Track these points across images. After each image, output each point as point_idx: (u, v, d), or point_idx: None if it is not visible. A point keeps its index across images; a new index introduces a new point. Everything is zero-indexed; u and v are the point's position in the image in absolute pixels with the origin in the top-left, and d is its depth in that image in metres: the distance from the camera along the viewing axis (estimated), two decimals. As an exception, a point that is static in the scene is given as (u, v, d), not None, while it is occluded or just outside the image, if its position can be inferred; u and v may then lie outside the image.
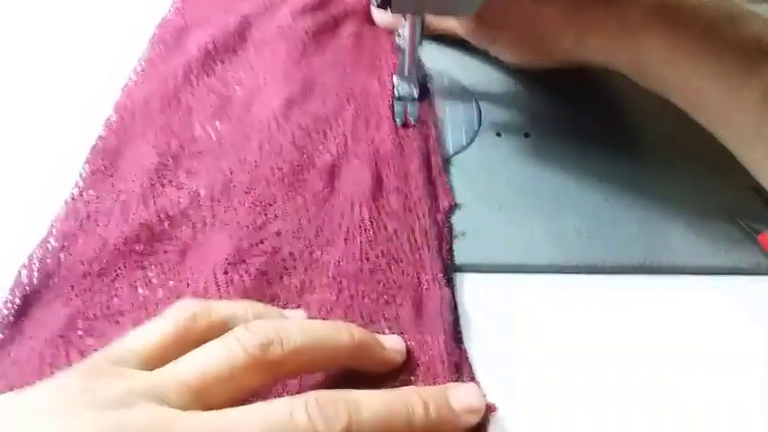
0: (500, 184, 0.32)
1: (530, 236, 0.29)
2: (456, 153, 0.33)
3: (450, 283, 0.27)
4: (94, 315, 0.25)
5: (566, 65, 0.36)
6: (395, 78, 0.36)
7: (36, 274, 0.27)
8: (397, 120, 0.34)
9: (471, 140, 0.34)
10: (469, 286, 0.27)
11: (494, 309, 0.26)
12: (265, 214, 0.30)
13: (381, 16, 0.41)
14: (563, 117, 0.36)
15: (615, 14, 0.31)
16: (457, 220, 0.29)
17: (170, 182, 0.31)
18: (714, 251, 0.29)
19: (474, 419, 0.22)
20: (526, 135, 0.35)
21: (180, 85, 0.37)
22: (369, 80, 0.37)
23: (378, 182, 0.31)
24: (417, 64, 0.35)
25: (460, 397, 0.22)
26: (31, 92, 0.37)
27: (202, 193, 0.31)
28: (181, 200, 0.30)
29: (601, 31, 0.32)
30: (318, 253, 0.28)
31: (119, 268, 0.27)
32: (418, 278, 0.27)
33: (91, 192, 0.30)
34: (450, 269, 0.28)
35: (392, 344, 0.25)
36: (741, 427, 0.23)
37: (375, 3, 0.31)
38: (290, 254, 0.28)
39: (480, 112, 0.36)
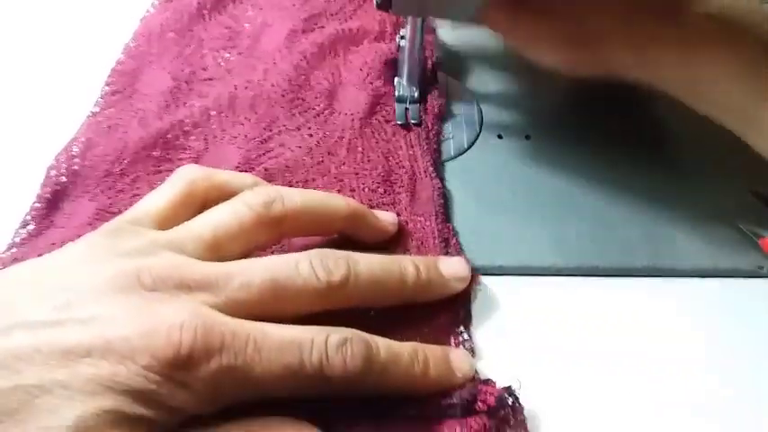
0: (501, 186, 0.31)
1: (531, 238, 0.29)
2: (457, 155, 0.33)
3: (439, 175, 0.31)
4: (119, 210, 0.28)
5: (608, 76, 0.32)
6: (395, 79, 0.36)
7: (64, 171, 0.30)
8: (398, 121, 0.34)
9: (472, 143, 0.34)
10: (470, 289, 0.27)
11: (495, 312, 0.26)
12: (270, 129, 0.33)
13: None
14: (564, 119, 0.36)
15: (675, 26, 0.29)
16: (457, 222, 0.29)
17: (183, 103, 0.35)
18: (716, 254, 0.29)
19: (460, 286, 0.26)
20: (527, 137, 0.35)
21: (194, 18, 0.41)
22: (370, 24, 0.41)
23: (375, 98, 0.35)
24: (419, 65, 0.35)
25: (449, 265, 0.26)
26: (57, 22, 0.41)
27: (212, 109, 0.34)
28: (193, 115, 0.34)
29: (664, 45, 0.29)
30: (320, 158, 0.32)
31: (138, 170, 0.31)
32: (413, 170, 0.31)
33: (111, 109, 0.34)
34: (438, 163, 0.32)
35: (385, 216, 0.28)
36: (741, 428, 0.23)
37: (376, 4, 0.31)
38: (294, 160, 0.32)
39: (482, 114, 0.36)
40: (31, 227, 0.28)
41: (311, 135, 0.33)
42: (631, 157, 0.34)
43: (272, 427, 0.20)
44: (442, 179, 0.31)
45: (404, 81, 0.35)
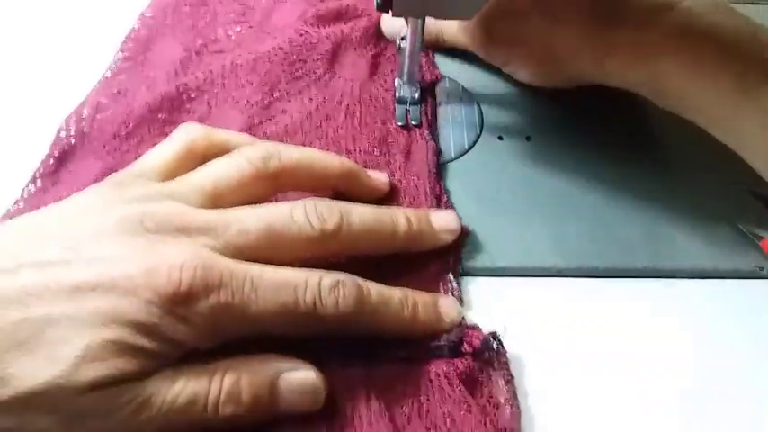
0: (502, 187, 0.32)
1: (531, 239, 0.29)
2: (458, 156, 0.33)
3: (435, 138, 0.33)
4: None
5: (583, 85, 0.35)
6: (396, 81, 0.36)
7: (73, 133, 0.32)
8: (399, 122, 0.34)
9: (473, 144, 0.34)
10: (470, 290, 0.27)
11: (495, 312, 0.26)
12: (271, 95, 0.35)
13: (388, 26, 0.40)
14: (565, 120, 0.36)
15: (633, 36, 0.31)
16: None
17: (192, 72, 0.36)
18: (715, 255, 0.29)
19: (450, 238, 0.27)
20: (528, 138, 0.35)
21: None
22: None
23: (375, 66, 0.37)
24: (419, 66, 0.35)
25: (440, 218, 0.27)
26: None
27: (216, 74, 0.36)
28: (198, 80, 0.35)
29: (619, 54, 0.31)
30: (318, 123, 0.33)
31: (144, 133, 0.32)
32: (409, 134, 0.33)
33: (122, 76, 0.36)
34: (435, 127, 0.34)
35: (377, 176, 0.30)
36: (741, 428, 0.23)
37: (376, 5, 0.31)
38: (293, 125, 0.33)
39: (482, 115, 0.36)
40: (39, 183, 0.30)
41: (311, 100, 0.35)
42: (631, 158, 0.34)
43: (270, 362, 0.21)
44: (439, 151, 0.33)
45: (404, 82, 0.35)
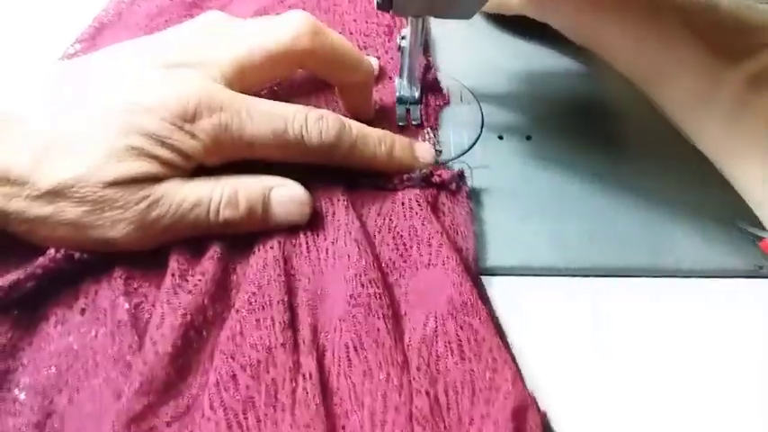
0: (502, 186, 0.32)
1: (532, 238, 0.29)
2: (458, 156, 0.33)
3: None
4: None
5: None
6: (396, 80, 0.36)
7: (112, 13, 0.41)
8: (399, 123, 0.34)
9: (473, 143, 0.34)
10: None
11: (495, 312, 0.26)
12: None
13: None
14: (565, 120, 0.36)
15: None
16: (459, 222, 0.29)
17: None
18: (715, 254, 0.29)
19: (424, 167, 0.30)
20: (528, 138, 0.35)
21: None
22: None
23: None
24: (419, 66, 0.35)
25: (422, 150, 0.31)
26: None
27: None
28: None
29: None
30: (327, 8, 0.41)
31: (172, 13, 0.40)
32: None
33: None
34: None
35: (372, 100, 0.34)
36: (741, 428, 0.23)
37: (376, 4, 0.31)
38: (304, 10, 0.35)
39: (482, 114, 0.36)
40: (78, 46, 0.38)
41: None
42: (632, 158, 0.34)
43: (263, 179, 0.26)
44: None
45: (404, 82, 0.35)
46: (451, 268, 0.25)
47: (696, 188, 0.32)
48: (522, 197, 0.31)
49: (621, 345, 0.26)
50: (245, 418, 0.21)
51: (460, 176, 0.30)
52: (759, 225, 0.28)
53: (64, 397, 0.22)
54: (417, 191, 0.29)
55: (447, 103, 0.36)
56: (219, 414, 0.20)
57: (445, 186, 0.29)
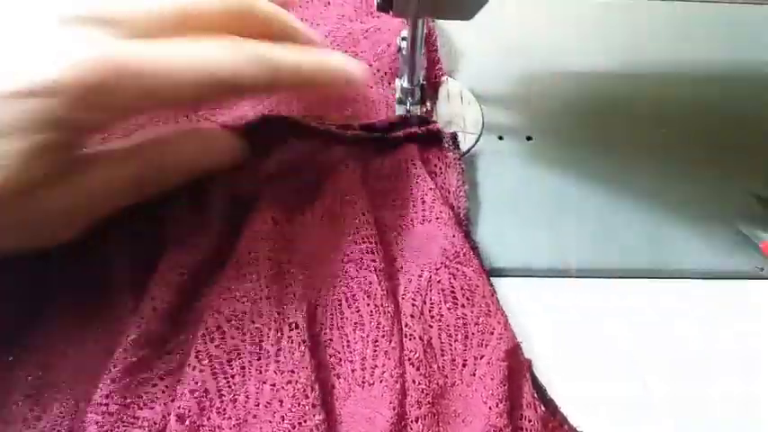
0: (502, 187, 0.31)
1: (532, 240, 0.29)
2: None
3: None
4: None
5: None
6: (396, 81, 0.36)
7: None
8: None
9: (473, 144, 0.34)
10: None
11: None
12: None
13: None
14: (565, 120, 0.36)
15: None
16: (459, 224, 0.29)
17: None
18: (716, 256, 0.29)
19: (345, 84, 0.28)
20: (528, 138, 0.35)
21: None
22: None
23: None
24: (419, 66, 0.35)
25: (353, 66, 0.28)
26: None
27: None
28: None
29: None
30: None
31: None
32: None
33: None
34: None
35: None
36: (741, 428, 0.23)
37: (376, 5, 0.31)
38: None
39: (483, 114, 0.36)
40: None
41: None
42: (632, 159, 0.34)
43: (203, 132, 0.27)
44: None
45: (404, 82, 0.35)
46: (444, 222, 0.26)
47: (697, 190, 0.32)
48: (522, 198, 0.31)
49: (622, 346, 0.26)
50: (230, 366, 0.22)
51: (453, 139, 0.31)
52: (760, 227, 0.28)
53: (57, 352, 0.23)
54: (415, 151, 0.30)
55: (447, 103, 0.36)
56: (205, 363, 0.22)
57: (440, 139, 0.31)
